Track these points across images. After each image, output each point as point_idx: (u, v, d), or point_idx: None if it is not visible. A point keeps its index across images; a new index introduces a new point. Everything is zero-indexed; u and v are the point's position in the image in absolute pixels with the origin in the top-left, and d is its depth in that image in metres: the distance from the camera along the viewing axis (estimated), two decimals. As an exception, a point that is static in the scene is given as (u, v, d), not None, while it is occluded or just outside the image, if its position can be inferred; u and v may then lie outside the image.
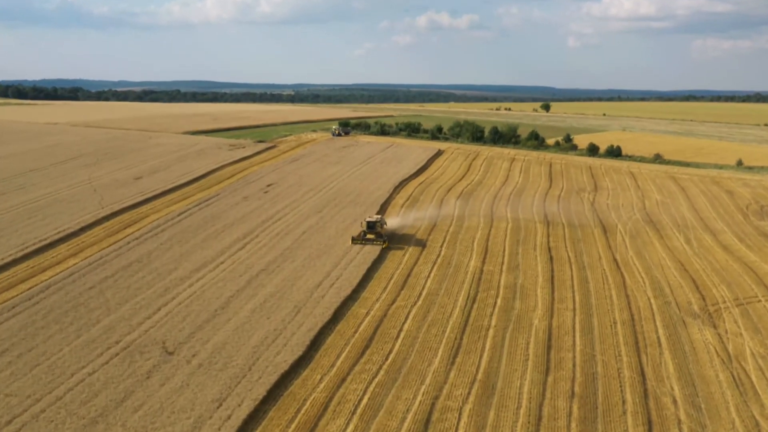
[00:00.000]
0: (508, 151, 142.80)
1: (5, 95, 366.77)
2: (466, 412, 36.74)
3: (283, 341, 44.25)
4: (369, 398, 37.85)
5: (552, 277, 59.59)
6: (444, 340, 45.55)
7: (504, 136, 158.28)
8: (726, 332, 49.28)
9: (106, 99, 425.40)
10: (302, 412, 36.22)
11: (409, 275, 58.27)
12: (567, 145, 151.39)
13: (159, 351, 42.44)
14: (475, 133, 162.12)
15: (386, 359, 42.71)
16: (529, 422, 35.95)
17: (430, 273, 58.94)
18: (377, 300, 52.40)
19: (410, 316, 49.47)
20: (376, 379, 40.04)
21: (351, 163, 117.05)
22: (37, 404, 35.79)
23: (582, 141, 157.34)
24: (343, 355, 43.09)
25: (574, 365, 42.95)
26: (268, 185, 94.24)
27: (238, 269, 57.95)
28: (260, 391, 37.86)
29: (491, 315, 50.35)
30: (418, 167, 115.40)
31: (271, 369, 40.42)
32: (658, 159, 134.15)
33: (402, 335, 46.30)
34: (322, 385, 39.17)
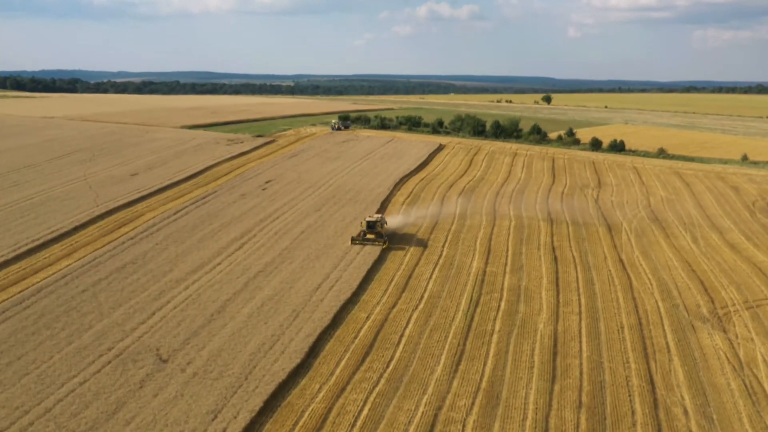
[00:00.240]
0: (510, 146, 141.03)
1: (3, 87, 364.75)
2: (470, 424, 35.46)
3: (281, 348, 42.91)
4: (369, 409, 36.55)
5: (557, 278, 58.18)
6: (446, 347, 44.22)
7: (506, 130, 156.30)
8: (736, 337, 47.94)
9: (105, 91, 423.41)
10: (300, 424, 34.93)
11: (410, 277, 56.87)
12: (569, 139, 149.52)
13: (153, 358, 41.10)
14: (476, 127, 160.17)
15: (387, 367, 41.39)
16: (535, 435, 34.71)
17: (431, 275, 57.53)
18: (378, 303, 51.03)
19: (412, 321, 48.12)
20: (377, 389, 38.74)
21: (351, 159, 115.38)
22: (25, 416, 34.52)
23: (584, 135, 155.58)
24: (343, 362, 41.77)
25: (581, 373, 41.64)
26: (267, 182, 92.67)
27: (235, 271, 56.55)
28: (257, 402, 36.55)
29: (495, 319, 48.99)
30: (419, 162, 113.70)
31: (268, 378, 39.10)
32: (662, 154, 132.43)
33: (403, 341, 44.96)
34: (321, 395, 37.87)
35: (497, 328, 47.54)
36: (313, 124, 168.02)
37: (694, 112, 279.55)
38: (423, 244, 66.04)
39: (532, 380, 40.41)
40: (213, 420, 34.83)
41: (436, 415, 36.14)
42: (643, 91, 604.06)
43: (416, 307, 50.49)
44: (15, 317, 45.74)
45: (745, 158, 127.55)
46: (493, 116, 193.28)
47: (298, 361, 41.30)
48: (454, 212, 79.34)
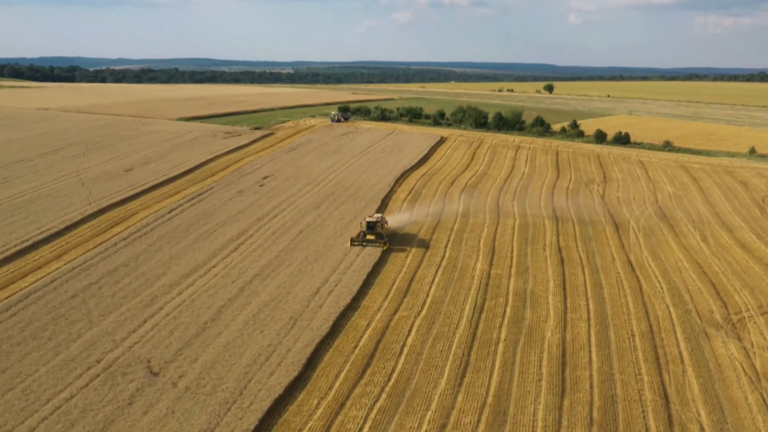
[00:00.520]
0: (513, 138, 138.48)
1: (1, 75, 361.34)
2: (476, 444, 33.66)
3: (278, 359, 41.04)
4: (370, 427, 34.76)
5: (563, 281, 56.21)
6: (450, 357, 42.34)
7: (508, 122, 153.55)
8: (752, 345, 46.03)
9: (103, 79, 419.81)
10: (297, 445, 33.15)
11: (412, 280, 54.90)
12: (573, 131, 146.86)
13: (143, 371, 39.24)
14: (478, 119, 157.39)
15: (389, 380, 39.54)
16: (545, 457, 32.92)
17: (434, 278, 55.56)
18: (378, 309, 49.10)
19: (414, 329, 46.21)
20: (378, 404, 36.91)
21: (350, 153, 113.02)
22: (7, 437, 32.74)
23: (588, 126, 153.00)
24: (342, 375, 39.92)
25: (591, 386, 39.78)
26: (264, 178, 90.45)
27: (231, 274, 54.57)
28: (252, 420, 34.73)
29: (500, 327, 47.07)
30: (420, 156, 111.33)
31: (264, 393, 37.25)
32: (667, 146, 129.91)
33: (405, 351, 43.08)
34: (319, 412, 36.05)
35: (503, 336, 45.65)
36: (313, 116, 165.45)
37: (697, 101, 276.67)
38: (425, 244, 64.01)
39: (541, 394, 38.57)
40: (205, 440, 33.06)
41: (440, 434, 34.35)
42: (644, 78, 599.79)
43: (418, 314, 48.58)
44: (1, 326, 43.84)
45: (752, 151, 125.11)
46: (494, 107, 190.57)
47: (295, 374, 39.44)
48: (457, 210, 77.20)
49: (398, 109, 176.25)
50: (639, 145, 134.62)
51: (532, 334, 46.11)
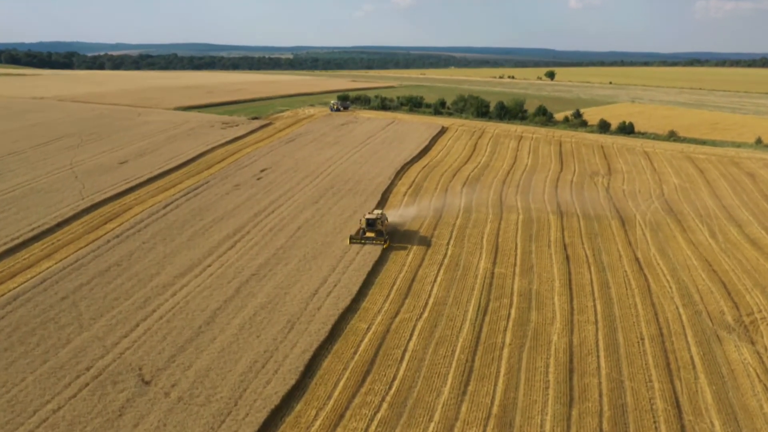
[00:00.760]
0: (515, 128, 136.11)
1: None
2: (481, 460, 32.19)
3: (275, 366, 39.48)
4: (370, 441, 33.28)
5: (569, 280, 54.55)
6: (454, 363, 40.79)
7: (510, 112, 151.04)
8: (765, 349, 44.45)
9: (101, 65, 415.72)
10: (294, 461, 31.68)
11: (413, 280, 53.24)
12: (576, 120, 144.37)
13: (134, 380, 37.70)
14: (480, 108, 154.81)
15: (390, 388, 38.01)
16: (554, 474, 31.46)
17: (436, 277, 53.90)
18: (379, 312, 47.48)
19: (416, 332, 44.63)
20: (379, 415, 35.42)
21: (350, 144, 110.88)
22: (-10, 453, 31.26)
23: (591, 115, 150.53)
24: (341, 383, 38.38)
25: (600, 395, 38.26)
26: (262, 170, 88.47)
27: (227, 274, 52.90)
28: (247, 434, 33.25)
29: (505, 330, 45.49)
30: (421, 148, 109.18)
31: (260, 404, 35.73)
32: (672, 137, 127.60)
33: (407, 356, 41.53)
34: (317, 424, 34.55)
35: (508, 340, 44.08)
36: (312, 105, 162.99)
37: (700, 88, 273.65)
38: (426, 241, 62.27)
39: (548, 404, 37.07)
40: (198, 457, 31.59)
41: (443, 449, 32.89)
42: (645, 64, 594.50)
43: (420, 316, 46.97)
44: (-13, 331, 42.26)
45: (759, 141, 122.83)
46: (496, 95, 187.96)
47: (292, 382, 37.90)
48: (459, 204, 75.31)
49: (398, 98, 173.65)
50: (643, 135, 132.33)
51: (538, 338, 44.54)
